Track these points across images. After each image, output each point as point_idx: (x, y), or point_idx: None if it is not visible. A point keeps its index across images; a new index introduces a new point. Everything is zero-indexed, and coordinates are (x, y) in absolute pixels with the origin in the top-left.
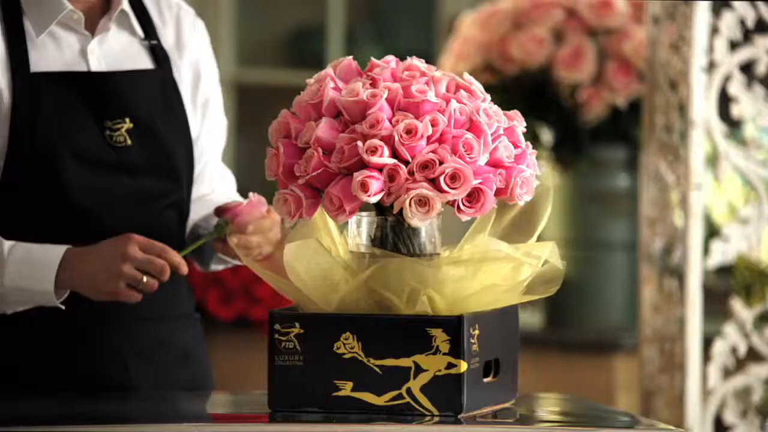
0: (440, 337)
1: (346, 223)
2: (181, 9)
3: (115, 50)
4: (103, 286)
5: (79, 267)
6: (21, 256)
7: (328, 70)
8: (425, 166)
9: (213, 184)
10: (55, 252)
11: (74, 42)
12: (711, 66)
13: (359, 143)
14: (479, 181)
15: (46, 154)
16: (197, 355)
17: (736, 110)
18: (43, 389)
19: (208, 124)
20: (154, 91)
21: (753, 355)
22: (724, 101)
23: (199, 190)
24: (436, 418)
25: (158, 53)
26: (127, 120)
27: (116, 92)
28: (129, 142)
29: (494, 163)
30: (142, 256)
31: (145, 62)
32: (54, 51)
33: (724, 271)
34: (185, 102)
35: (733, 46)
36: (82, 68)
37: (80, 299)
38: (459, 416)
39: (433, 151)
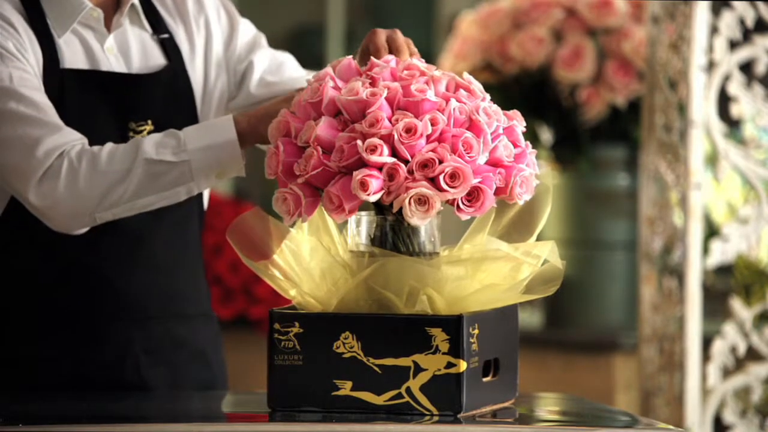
0: (440, 337)
1: (346, 222)
2: None
3: (131, 47)
4: (279, 106)
5: (252, 110)
6: (193, 126)
7: (328, 69)
8: (425, 165)
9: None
10: (226, 116)
11: (94, 40)
12: (710, 65)
13: (359, 142)
14: (479, 180)
15: None
16: (212, 355)
17: (735, 110)
18: (56, 387)
19: (258, 61)
20: (168, 89)
21: (752, 355)
22: (724, 101)
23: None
24: (436, 418)
25: (168, 47)
26: (149, 122)
27: (141, 94)
28: None
29: (494, 163)
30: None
31: (158, 57)
32: (79, 49)
33: (724, 270)
34: (195, 93)
35: (733, 45)
36: (106, 66)
37: (95, 295)
38: (458, 416)
39: (432, 150)
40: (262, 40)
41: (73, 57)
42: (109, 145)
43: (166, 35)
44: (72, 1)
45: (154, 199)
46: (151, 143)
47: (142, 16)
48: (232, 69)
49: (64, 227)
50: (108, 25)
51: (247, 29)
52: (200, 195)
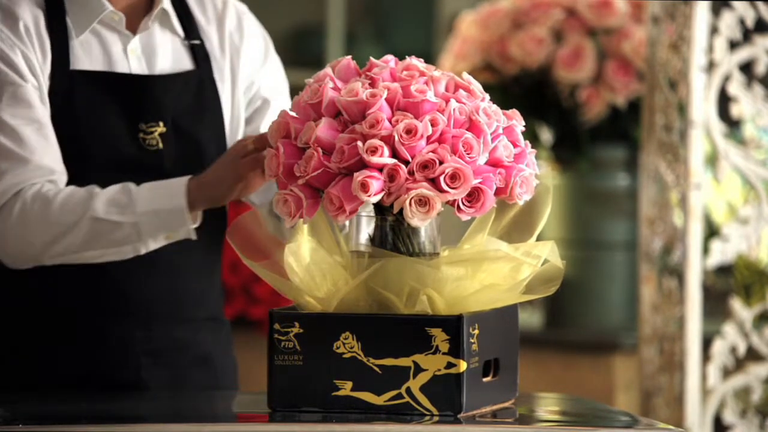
0: (440, 337)
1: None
2: (227, 6)
3: (157, 50)
4: (228, 171)
5: (204, 174)
6: (149, 185)
7: (327, 69)
8: (425, 165)
9: None
10: (180, 178)
11: (116, 41)
12: (710, 66)
13: (359, 143)
14: (479, 180)
15: (78, 152)
16: (219, 359)
17: (735, 110)
18: (55, 387)
19: (271, 113)
20: (190, 93)
21: (752, 355)
22: (724, 101)
23: None
24: (436, 418)
25: (198, 53)
26: (161, 123)
27: (152, 95)
28: (161, 145)
29: (494, 163)
30: (257, 135)
31: (185, 62)
32: (97, 50)
33: (724, 270)
34: (223, 101)
35: (733, 45)
36: (124, 68)
37: (98, 296)
38: (458, 416)
39: (432, 151)
40: (285, 87)
41: (86, 58)
42: (66, 191)
43: (197, 41)
44: (93, 3)
45: (98, 253)
46: (103, 199)
47: (174, 21)
48: (249, 97)
49: (11, 264)
50: (136, 27)
51: (277, 66)
52: None
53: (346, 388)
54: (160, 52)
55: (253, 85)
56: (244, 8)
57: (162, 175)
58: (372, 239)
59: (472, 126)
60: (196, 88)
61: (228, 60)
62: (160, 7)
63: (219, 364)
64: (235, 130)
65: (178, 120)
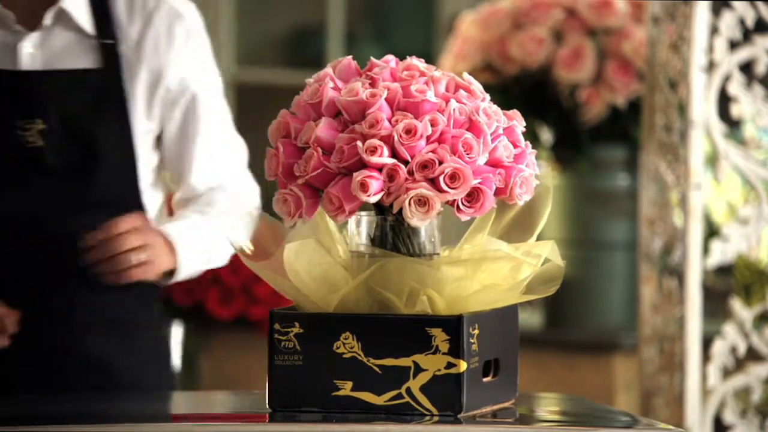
0: (440, 337)
1: (346, 222)
2: (159, 8)
3: (55, 48)
4: None
5: None
6: None
7: (328, 69)
8: (425, 165)
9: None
10: None
11: (6, 38)
12: (711, 66)
13: (359, 143)
14: (479, 180)
15: None
16: (118, 364)
17: (735, 110)
18: None
19: (180, 124)
20: (87, 91)
21: (752, 355)
22: (724, 101)
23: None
24: (436, 418)
25: (107, 52)
26: (39, 121)
27: (32, 91)
28: (41, 142)
29: (494, 163)
30: None
31: (87, 61)
32: None
33: (724, 270)
34: (135, 103)
35: (733, 45)
36: (10, 65)
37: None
38: (458, 416)
39: (432, 151)
40: (212, 88)
41: None
42: None
43: (110, 41)
44: None
45: None
46: None
47: (80, 19)
48: (169, 97)
49: None
50: (36, 24)
51: (208, 69)
52: (123, 202)
53: (346, 388)
54: (60, 50)
55: (175, 84)
56: (182, 11)
57: (44, 172)
58: (372, 239)
59: (472, 126)
60: (97, 86)
61: (146, 60)
62: (57, 6)
63: (116, 370)
64: (149, 129)
65: (68, 118)
